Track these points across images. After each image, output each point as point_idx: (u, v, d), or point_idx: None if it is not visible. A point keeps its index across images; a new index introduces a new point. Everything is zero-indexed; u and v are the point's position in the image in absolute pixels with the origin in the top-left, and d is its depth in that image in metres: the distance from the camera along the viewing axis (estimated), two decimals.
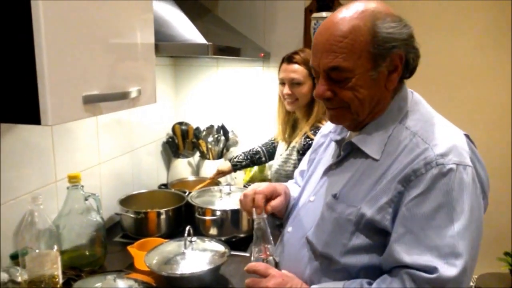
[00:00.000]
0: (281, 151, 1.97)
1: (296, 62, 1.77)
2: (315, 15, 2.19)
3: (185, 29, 1.38)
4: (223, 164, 2.12)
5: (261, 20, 2.34)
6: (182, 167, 2.36)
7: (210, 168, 2.27)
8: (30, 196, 1.17)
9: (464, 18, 2.44)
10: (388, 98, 0.97)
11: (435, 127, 0.94)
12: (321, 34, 0.94)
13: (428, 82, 2.47)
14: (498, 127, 2.51)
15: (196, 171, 2.41)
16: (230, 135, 2.42)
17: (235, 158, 2.11)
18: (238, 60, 2.36)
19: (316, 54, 0.95)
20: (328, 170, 1.07)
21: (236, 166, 2.10)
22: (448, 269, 0.82)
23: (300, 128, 1.85)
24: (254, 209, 1.10)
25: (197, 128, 2.42)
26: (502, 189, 2.53)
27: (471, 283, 2.46)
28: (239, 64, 2.42)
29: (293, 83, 1.79)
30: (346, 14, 0.91)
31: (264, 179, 2.27)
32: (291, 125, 1.94)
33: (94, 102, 0.98)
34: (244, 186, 2.04)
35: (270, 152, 2.12)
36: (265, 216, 1.10)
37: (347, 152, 1.02)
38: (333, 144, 1.12)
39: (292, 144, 1.87)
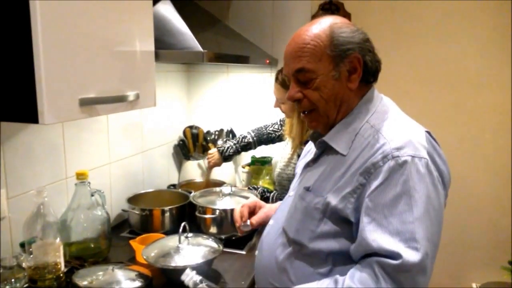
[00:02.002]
0: (284, 154, 2.04)
1: (279, 82, 1.90)
2: (318, 17, 2.26)
3: (184, 38, 1.47)
4: (213, 155, 2.19)
5: (269, 29, 2.42)
6: (192, 169, 2.46)
7: (219, 170, 2.33)
8: (35, 191, 1.28)
9: (465, 22, 2.45)
10: (353, 99, 1.07)
11: (397, 125, 1.03)
12: (290, 45, 1.08)
13: (429, 86, 2.49)
14: (499, 131, 2.50)
15: (206, 173, 2.50)
16: None
17: (226, 151, 2.18)
18: (247, 66, 2.45)
19: (286, 62, 1.09)
20: (306, 167, 1.18)
21: (227, 160, 2.21)
22: (411, 255, 0.88)
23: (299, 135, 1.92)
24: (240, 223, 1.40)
25: (208, 132, 2.52)
26: (505, 195, 2.50)
27: None
28: (248, 71, 2.50)
29: (277, 100, 1.95)
30: (308, 27, 1.05)
31: (269, 183, 2.33)
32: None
33: (90, 104, 1.08)
34: (248, 188, 2.11)
35: (260, 140, 2.21)
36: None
37: (322, 150, 1.12)
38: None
39: (293, 150, 1.95)
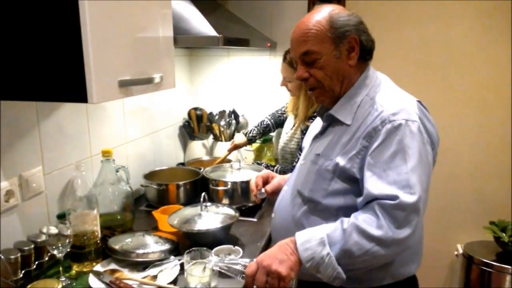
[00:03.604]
0: (287, 130, 2.20)
1: (287, 62, 2.04)
2: (317, 6, 2.39)
3: (199, 24, 1.60)
4: (239, 138, 2.38)
5: (268, 12, 2.55)
6: (197, 148, 2.61)
7: (222, 149, 2.51)
8: (74, 165, 1.42)
9: (462, 7, 2.55)
10: (353, 75, 1.25)
11: (392, 95, 1.22)
12: (295, 32, 1.25)
13: (428, 71, 2.62)
14: (498, 113, 2.64)
15: (210, 152, 2.65)
16: (241, 119, 2.66)
17: (249, 133, 2.39)
18: (247, 49, 2.58)
19: (293, 47, 1.26)
20: (315, 139, 1.35)
21: (252, 140, 2.41)
22: (407, 197, 1.07)
23: (304, 111, 2.08)
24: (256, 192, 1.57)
25: (211, 113, 2.66)
26: (488, 164, 2.71)
27: (460, 251, 2.67)
28: (248, 54, 2.64)
29: (284, 79, 2.09)
30: (310, 15, 1.23)
31: (270, 159, 2.50)
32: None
33: (126, 86, 1.22)
34: (252, 163, 2.27)
35: (277, 123, 2.41)
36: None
37: (328, 122, 1.30)
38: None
39: (297, 124, 2.10)
